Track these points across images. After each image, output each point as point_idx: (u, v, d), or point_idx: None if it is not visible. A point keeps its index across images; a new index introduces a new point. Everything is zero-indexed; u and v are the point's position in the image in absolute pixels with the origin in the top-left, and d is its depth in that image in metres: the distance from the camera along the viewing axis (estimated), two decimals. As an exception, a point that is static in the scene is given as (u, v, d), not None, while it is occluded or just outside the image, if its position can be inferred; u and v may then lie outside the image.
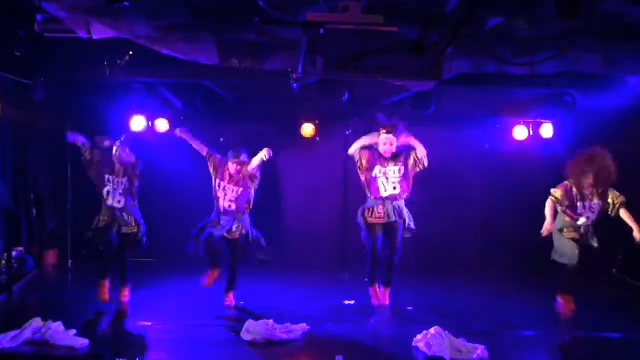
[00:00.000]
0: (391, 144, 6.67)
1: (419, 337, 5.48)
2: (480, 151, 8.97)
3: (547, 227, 6.27)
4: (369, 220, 6.69)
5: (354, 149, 6.76)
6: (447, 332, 5.44)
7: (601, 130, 8.16)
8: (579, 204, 6.31)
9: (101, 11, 5.20)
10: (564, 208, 6.38)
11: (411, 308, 6.91)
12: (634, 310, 6.93)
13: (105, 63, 6.83)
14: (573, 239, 6.28)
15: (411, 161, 6.69)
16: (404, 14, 4.87)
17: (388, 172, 6.66)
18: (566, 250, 6.24)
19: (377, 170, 6.66)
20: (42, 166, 8.52)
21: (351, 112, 8.75)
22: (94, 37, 5.43)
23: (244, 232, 6.77)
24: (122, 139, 6.80)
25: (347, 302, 7.08)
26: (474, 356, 5.18)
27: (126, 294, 6.74)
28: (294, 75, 6.33)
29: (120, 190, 6.72)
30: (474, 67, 5.99)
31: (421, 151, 6.66)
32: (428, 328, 5.50)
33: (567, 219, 6.37)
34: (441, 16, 4.85)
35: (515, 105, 8.55)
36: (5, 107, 7.38)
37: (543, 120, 8.72)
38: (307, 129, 8.87)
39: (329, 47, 4.77)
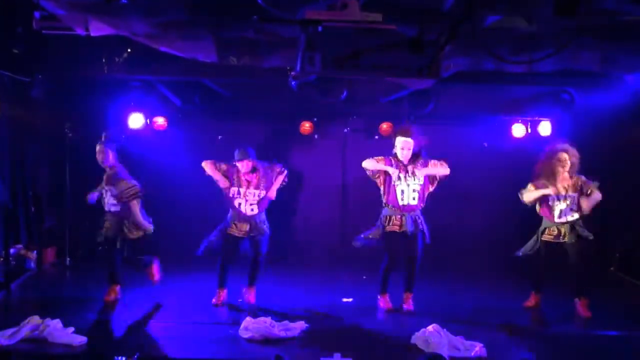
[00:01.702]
0: (409, 149, 6.50)
1: (417, 334, 5.48)
2: (479, 149, 8.98)
3: (544, 191, 6.51)
4: (387, 228, 6.56)
5: (370, 165, 6.55)
6: (445, 329, 5.44)
7: (599, 128, 8.19)
8: (550, 197, 6.50)
9: (99, 8, 5.19)
10: (539, 207, 6.59)
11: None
12: (631, 308, 6.94)
13: (104, 61, 6.82)
14: (548, 241, 6.55)
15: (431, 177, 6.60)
16: (403, 11, 4.87)
17: (409, 179, 6.53)
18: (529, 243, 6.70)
19: (396, 177, 6.50)
20: (40, 164, 8.52)
21: (350, 110, 8.75)
22: (92, 35, 5.42)
23: (261, 229, 6.73)
24: (103, 139, 6.58)
25: (345, 300, 7.08)
26: (472, 354, 5.18)
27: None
28: (292, 73, 6.32)
29: (110, 195, 6.60)
30: (472, 65, 5.99)
31: (444, 172, 6.59)
32: (426, 325, 5.50)
33: (546, 219, 6.57)
34: (439, 14, 4.85)
35: (513, 103, 8.57)
36: (3, 104, 7.38)
37: (541, 118, 8.73)
38: (306, 127, 8.86)
39: (328, 44, 4.77)
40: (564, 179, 6.48)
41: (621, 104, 7.61)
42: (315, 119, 8.88)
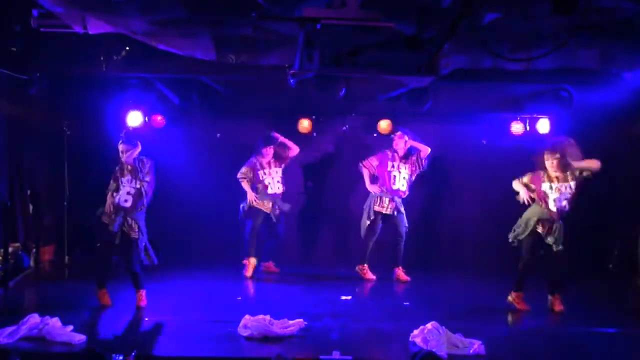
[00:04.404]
0: (396, 145, 7.79)
1: (415, 332, 5.47)
2: (477, 147, 8.98)
3: (523, 196, 6.56)
4: (375, 208, 7.69)
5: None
6: (443, 327, 5.43)
7: (597, 125, 8.19)
8: (544, 184, 6.44)
9: (97, 6, 5.19)
10: (534, 195, 6.52)
11: (408, 303, 6.92)
12: (630, 306, 6.95)
13: (102, 58, 6.80)
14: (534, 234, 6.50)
15: (414, 160, 7.76)
16: (401, 9, 4.87)
17: (401, 167, 7.73)
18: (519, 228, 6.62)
19: (390, 165, 7.72)
20: (38, 161, 8.50)
21: (348, 107, 8.75)
22: (90, 32, 5.42)
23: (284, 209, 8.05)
24: (123, 136, 6.41)
25: (343, 298, 7.08)
26: (471, 351, 5.18)
27: (142, 298, 6.41)
28: (290, 70, 6.31)
29: (128, 190, 6.31)
30: (470, 62, 5.99)
31: (425, 152, 7.75)
32: (425, 323, 5.49)
33: (539, 206, 6.48)
34: (438, 11, 4.85)
35: (511, 100, 8.57)
36: (2, 102, 7.36)
37: (539, 116, 8.73)
38: (304, 125, 8.85)
39: (326, 42, 4.77)
40: (555, 171, 6.44)
41: (619, 101, 7.61)
42: (313, 117, 8.88)
